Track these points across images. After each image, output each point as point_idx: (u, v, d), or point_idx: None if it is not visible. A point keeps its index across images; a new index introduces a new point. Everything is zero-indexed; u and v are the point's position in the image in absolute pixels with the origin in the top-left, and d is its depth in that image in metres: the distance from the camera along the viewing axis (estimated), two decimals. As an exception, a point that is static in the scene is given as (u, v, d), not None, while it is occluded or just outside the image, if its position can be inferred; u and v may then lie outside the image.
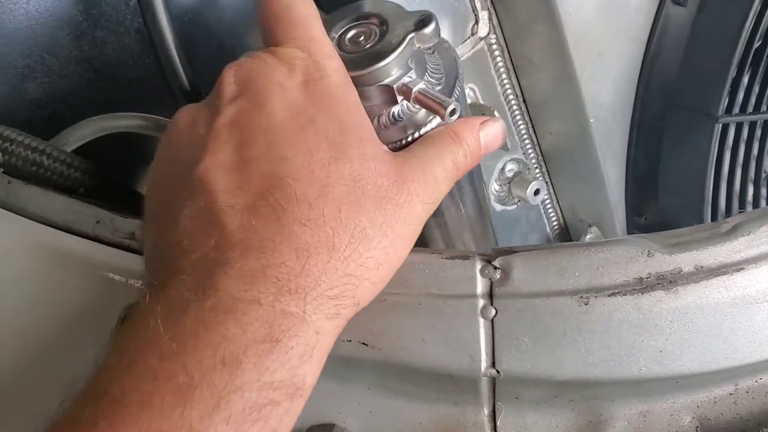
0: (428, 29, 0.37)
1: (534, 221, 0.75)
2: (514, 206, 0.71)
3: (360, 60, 0.37)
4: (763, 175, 0.68)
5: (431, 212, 0.36)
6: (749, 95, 0.60)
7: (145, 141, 0.46)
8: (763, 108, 0.61)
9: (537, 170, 0.71)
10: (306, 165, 0.32)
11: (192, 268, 0.30)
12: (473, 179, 0.46)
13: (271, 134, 0.33)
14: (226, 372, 0.27)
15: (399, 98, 0.38)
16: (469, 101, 0.60)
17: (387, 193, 0.33)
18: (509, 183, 0.68)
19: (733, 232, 0.33)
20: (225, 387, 0.27)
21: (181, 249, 0.31)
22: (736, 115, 0.59)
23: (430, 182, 0.36)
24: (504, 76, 0.61)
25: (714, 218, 0.66)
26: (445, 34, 0.55)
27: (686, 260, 0.33)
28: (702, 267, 0.33)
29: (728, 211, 0.67)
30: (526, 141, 0.68)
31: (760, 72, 0.59)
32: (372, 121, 0.37)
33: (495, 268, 0.34)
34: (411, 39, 0.37)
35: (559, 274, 0.34)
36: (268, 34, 0.37)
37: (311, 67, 0.35)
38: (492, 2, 0.56)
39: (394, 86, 0.37)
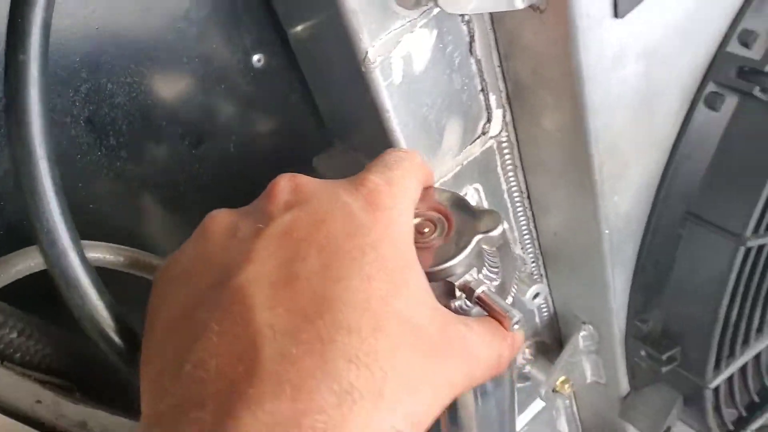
0: (496, 233, 0.37)
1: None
2: (504, 301, 0.67)
3: (424, 253, 0.36)
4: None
5: (458, 394, 0.32)
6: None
7: (115, 278, 0.39)
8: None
9: (533, 264, 0.67)
10: (362, 291, 0.29)
11: (212, 401, 0.26)
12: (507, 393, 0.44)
13: (328, 253, 0.30)
14: None
15: (458, 293, 0.37)
16: (473, 203, 0.56)
17: (436, 345, 0.31)
18: (503, 281, 0.64)
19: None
20: None
21: (203, 371, 0.27)
22: (766, 235, 0.57)
23: (473, 359, 0.33)
24: (511, 174, 0.57)
25: (724, 334, 0.63)
26: (455, 135, 0.50)
27: None
28: None
29: (737, 326, 0.64)
30: (525, 235, 0.64)
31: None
32: None
33: None
34: (478, 241, 0.37)
35: None
36: None
37: (381, 194, 0.33)
38: (509, 102, 0.52)
39: (456, 283, 0.36)
